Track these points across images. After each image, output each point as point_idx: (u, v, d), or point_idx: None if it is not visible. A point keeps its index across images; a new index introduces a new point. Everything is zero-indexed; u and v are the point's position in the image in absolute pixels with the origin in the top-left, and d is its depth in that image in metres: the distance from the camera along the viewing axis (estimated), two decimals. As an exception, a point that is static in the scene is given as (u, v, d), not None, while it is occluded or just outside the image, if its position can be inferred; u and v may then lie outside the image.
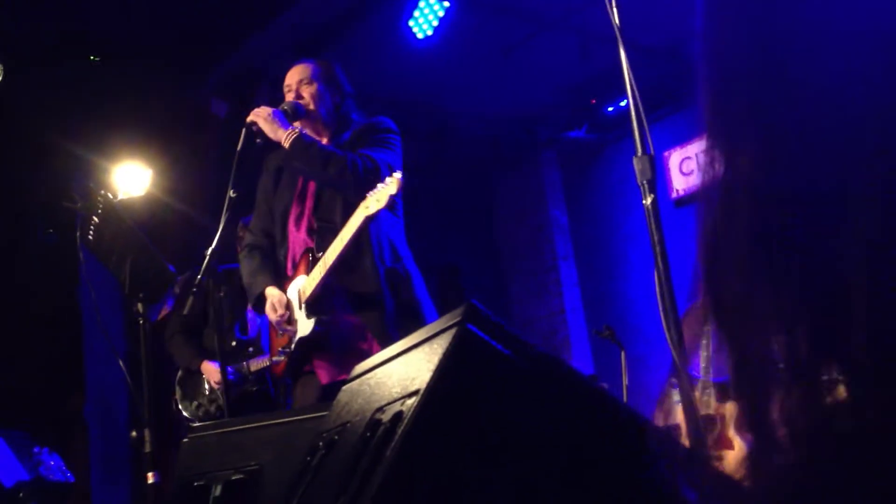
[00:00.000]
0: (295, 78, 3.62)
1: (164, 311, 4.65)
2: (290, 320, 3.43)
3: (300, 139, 3.39)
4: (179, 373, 4.69)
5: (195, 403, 4.62)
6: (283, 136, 3.40)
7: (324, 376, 3.37)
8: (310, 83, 3.59)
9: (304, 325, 3.38)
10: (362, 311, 3.35)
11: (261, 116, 3.42)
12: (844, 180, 0.57)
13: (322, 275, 3.31)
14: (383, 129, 3.55)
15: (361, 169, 3.31)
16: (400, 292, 3.37)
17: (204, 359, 4.56)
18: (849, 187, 0.57)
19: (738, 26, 0.66)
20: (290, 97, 3.59)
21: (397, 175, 3.17)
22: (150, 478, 3.22)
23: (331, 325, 3.37)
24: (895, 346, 0.56)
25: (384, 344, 3.00)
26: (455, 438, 1.29)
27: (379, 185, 3.19)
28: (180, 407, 4.66)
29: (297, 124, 3.51)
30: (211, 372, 4.53)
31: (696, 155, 6.76)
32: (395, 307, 3.33)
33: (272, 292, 3.48)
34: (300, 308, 3.41)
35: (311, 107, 3.57)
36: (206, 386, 4.60)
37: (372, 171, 3.32)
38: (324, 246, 3.34)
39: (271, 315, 3.46)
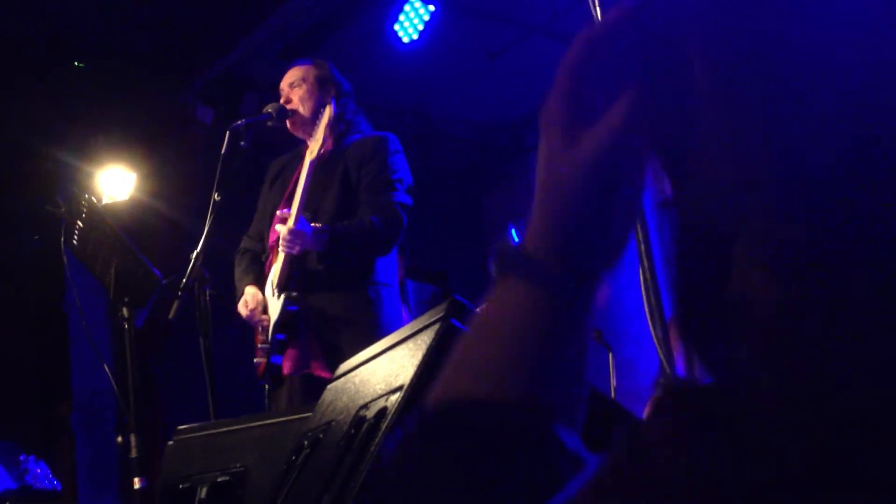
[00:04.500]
0: (286, 82, 3.63)
1: None
2: (265, 310, 3.43)
3: (330, 244, 3.33)
4: None
5: None
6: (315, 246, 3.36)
7: (286, 367, 3.37)
8: (299, 86, 3.59)
9: (276, 308, 3.37)
10: (321, 326, 3.35)
11: (297, 246, 3.30)
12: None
13: (285, 255, 3.33)
14: (388, 166, 3.48)
15: (386, 231, 3.35)
16: (364, 313, 3.35)
17: None
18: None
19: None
20: (282, 100, 3.61)
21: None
22: (137, 483, 3.20)
23: (301, 302, 3.35)
24: None
25: (331, 360, 3.04)
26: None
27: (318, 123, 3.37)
28: None
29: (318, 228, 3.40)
30: None
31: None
32: (352, 326, 3.31)
33: (247, 290, 3.49)
34: (273, 295, 3.41)
35: (300, 110, 3.56)
36: None
37: (395, 223, 3.37)
38: None
39: (242, 311, 3.48)
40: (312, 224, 3.32)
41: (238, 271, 3.66)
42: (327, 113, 3.42)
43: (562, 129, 0.65)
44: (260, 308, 3.45)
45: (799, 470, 0.48)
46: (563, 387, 0.69)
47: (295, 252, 3.30)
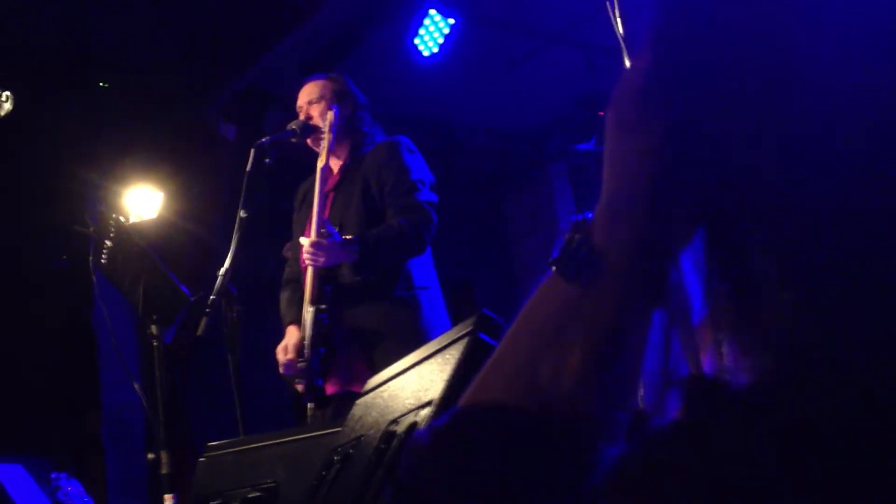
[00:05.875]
0: (304, 98, 3.64)
1: None
2: (300, 351, 3.40)
3: (361, 253, 3.31)
4: None
5: None
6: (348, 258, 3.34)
7: (329, 388, 3.35)
8: (318, 102, 3.60)
9: (310, 323, 3.36)
10: (362, 340, 3.33)
11: (320, 257, 3.29)
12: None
13: (312, 270, 3.32)
14: (406, 168, 3.47)
15: (416, 230, 3.33)
16: (404, 321, 3.33)
17: None
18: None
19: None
20: (301, 117, 3.62)
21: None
22: (168, 500, 3.23)
23: (335, 314, 3.33)
24: None
25: (371, 367, 3.03)
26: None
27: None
28: None
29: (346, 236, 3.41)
30: None
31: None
32: (393, 336, 3.29)
33: (288, 332, 3.48)
34: (307, 311, 3.40)
35: (320, 125, 3.58)
36: None
37: (424, 221, 3.35)
38: None
39: (280, 357, 3.44)
40: (342, 237, 3.32)
41: (281, 303, 3.66)
42: (328, 118, 3.46)
43: (637, 126, 0.65)
44: (293, 361, 3.41)
45: (816, 471, 0.48)
46: (615, 395, 0.62)
47: (320, 264, 3.29)
